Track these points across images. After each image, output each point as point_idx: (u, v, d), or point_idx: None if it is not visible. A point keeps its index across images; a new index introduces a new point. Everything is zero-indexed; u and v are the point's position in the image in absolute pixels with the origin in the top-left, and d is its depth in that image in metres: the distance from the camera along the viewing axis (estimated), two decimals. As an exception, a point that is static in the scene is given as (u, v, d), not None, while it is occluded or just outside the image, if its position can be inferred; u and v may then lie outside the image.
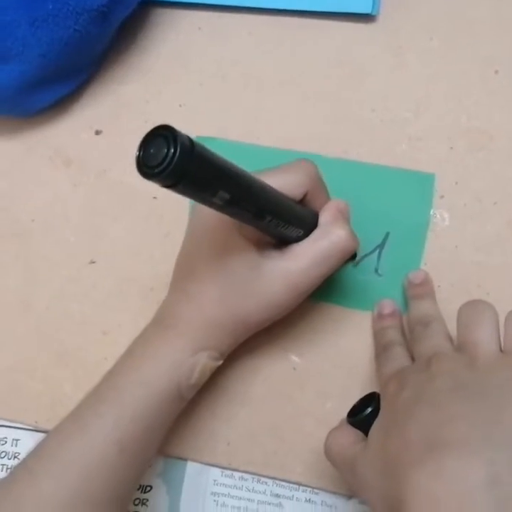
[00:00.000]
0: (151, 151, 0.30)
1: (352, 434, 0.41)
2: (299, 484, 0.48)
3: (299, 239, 0.43)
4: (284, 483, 0.49)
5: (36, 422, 0.52)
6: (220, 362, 0.45)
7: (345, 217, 0.44)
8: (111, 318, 0.52)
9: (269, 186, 0.39)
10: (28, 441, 0.52)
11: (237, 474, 0.49)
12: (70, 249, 0.54)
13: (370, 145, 0.52)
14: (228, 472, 0.49)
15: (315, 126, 0.53)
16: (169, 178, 0.30)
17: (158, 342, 0.43)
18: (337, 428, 0.43)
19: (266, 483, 0.49)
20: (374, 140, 0.52)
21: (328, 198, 0.45)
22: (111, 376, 0.43)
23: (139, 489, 0.50)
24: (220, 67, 0.55)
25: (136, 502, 0.50)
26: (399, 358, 0.44)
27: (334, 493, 0.48)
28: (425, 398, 0.36)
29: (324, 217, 0.44)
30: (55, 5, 0.48)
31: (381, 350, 0.46)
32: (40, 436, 0.51)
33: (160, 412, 0.42)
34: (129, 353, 0.44)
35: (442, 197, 0.51)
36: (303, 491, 0.49)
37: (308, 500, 0.49)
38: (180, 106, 0.54)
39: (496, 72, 0.52)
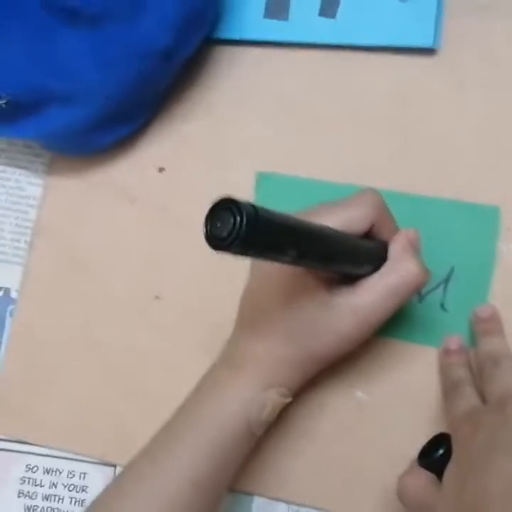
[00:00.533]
0: (218, 224, 0.31)
1: (424, 476, 0.41)
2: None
3: (368, 273, 0.43)
4: (344, 517, 0.49)
5: (103, 456, 0.53)
6: (290, 398, 0.45)
7: (415, 248, 0.44)
8: (176, 353, 0.53)
9: (333, 231, 0.39)
10: (95, 475, 0.53)
11: (304, 510, 0.49)
12: (136, 285, 0.55)
13: (432, 179, 0.52)
14: (295, 507, 0.49)
15: (376, 161, 0.53)
16: (239, 249, 0.31)
17: (228, 380, 0.44)
18: (409, 470, 0.42)
19: (329, 517, 0.49)
20: (436, 173, 0.52)
21: (396, 228, 0.45)
22: (183, 414, 0.44)
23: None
24: (282, 104, 0.55)
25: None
26: (469, 397, 0.43)
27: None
28: (502, 445, 0.36)
29: (394, 250, 0.43)
30: (120, 47, 0.49)
31: (450, 388, 0.46)
32: (107, 469, 0.52)
33: (232, 449, 0.43)
34: (200, 392, 0.45)
35: (509, 229, 0.50)
36: (370, 528, 0.48)
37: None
38: (241, 143, 0.55)
39: None
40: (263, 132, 0.55)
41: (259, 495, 0.50)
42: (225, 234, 0.30)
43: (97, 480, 0.52)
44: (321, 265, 0.39)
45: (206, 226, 0.31)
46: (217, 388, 0.44)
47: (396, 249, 0.43)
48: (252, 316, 0.45)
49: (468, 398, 0.43)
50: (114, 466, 0.53)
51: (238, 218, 0.30)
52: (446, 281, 0.50)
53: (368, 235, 0.43)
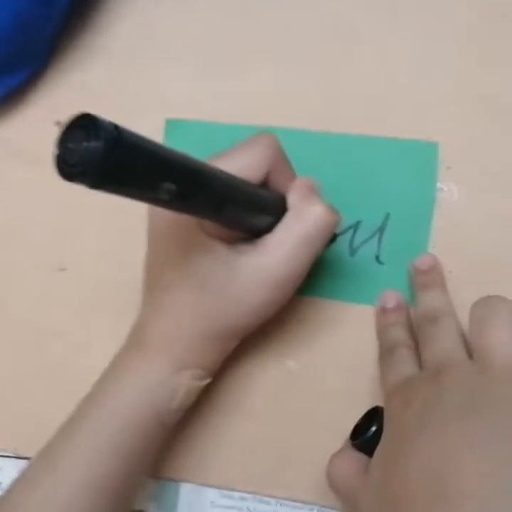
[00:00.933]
0: (70, 145, 0.25)
1: (355, 460, 0.36)
2: (305, 503, 0.43)
3: (269, 228, 0.37)
4: (288, 502, 0.44)
5: (16, 449, 0.48)
6: (207, 380, 0.39)
7: (316, 193, 0.38)
8: (86, 331, 0.47)
9: (223, 171, 0.33)
10: (10, 470, 0.48)
11: (236, 494, 0.44)
12: (39, 256, 0.49)
13: (360, 113, 0.45)
14: (226, 492, 0.45)
15: (302, 101, 0.46)
16: (94, 177, 0.24)
17: (133, 365, 0.38)
18: (339, 453, 0.38)
19: (269, 502, 0.44)
20: (366, 107, 0.45)
21: (294, 176, 0.39)
22: (82, 407, 0.38)
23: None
24: (189, 41, 0.48)
25: (130, 528, 0.45)
26: (405, 362, 0.38)
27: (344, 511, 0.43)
28: (431, 422, 0.31)
29: (293, 198, 0.37)
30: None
31: (385, 352, 0.40)
32: (24, 463, 0.47)
33: (139, 444, 0.37)
34: (102, 380, 0.39)
35: (449, 168, 0.44)
36: (310, 510, 0.44)
37: (316, 520, 0.44)
38: (147, 88, 0.48)
39: (504, 16, 0.45)
40: (168, 76, 0.48)
41: (186, 481, 0.45)
42: (75, 159, 0.24)
43: (12, 475, 0.46)
44: (211, 211, 0.32)
45: (57, 149, 0.25)
46: (120, 375, 0.38)
47: (295, 196, 0.38)
48: (154, 291, 0.39)
49: (404, 364, 0.38)
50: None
51: (93, 138, 0.24)
52: (381, 230, 0.44)
53: (264, 186, 0.37)
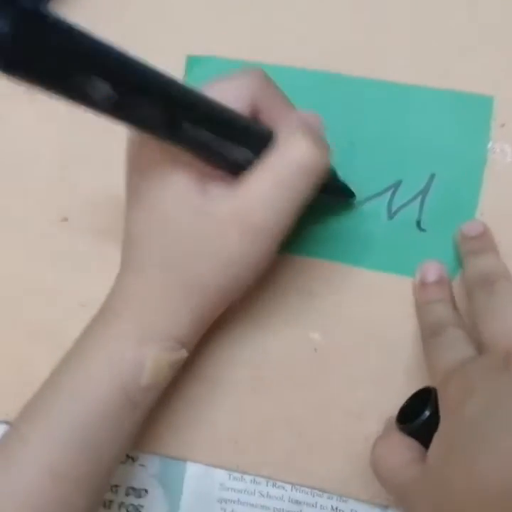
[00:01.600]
0: None
1: (406, 448, 0.32)
2: (323, 491, 0.39)
3: (249, 163, 0.31)
4: (305, 489, 0.40)
5: (7, 415, 0.43)
6: (183, 353, 0.34)
7: (310, 126, 0.32)
8: (90, 286, 0.42)
9: (183, 83, 0.28)
10: (-1, 436, 0.44)
11: (248, 477, 0.40)
12: (38, 203, 0.44)
13: (408, 59, 0.40)
14: (237, 474, 0.40)
15: (337, 38, 0.41)
16: (3, 56, 0.21)
17: (97, 334, 0.34)
18: (386, 438, 0.34)
19: (283, 487, 0.40)
20: (413, 53, 0.40)
21: (291, 112, 0.34)
22: (43, 387, 0.34)
23: (132, 494, 0.41)
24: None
25: (130, 509, 0.41)
26: (457, 344, 0.33)
27: (367, 501, 0.39)
28: (505, 416, 0.27)
29: (281, 131, 0.31)
30: None
31: (430, 333, 0.35)
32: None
33: (104, 428, 0.33)
34: (67, 354, 0.34)
35: (503, 125, 0.39)
36: (328, 498, 0.39)
37: (335, 509, 0.40)
38: (162, 18, 0.43)
39: None
40: (191, 10, 0.43)
41: (193, 461, 0.41)
42: None
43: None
44: (164, 126, 0.27)
45: None
46: (83, 346, 0.34)
47: (283, 129, 0.31)
48: (128, 245, 0.34)
49: (457, 346, 0.33)
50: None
51: (3, 12, 0.20)
52: (424, 192, 0.39)
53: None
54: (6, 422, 0.43)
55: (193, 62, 0.42)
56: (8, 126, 0.44)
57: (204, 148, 0.29)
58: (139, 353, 0.32)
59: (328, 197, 0.38)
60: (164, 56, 0.42)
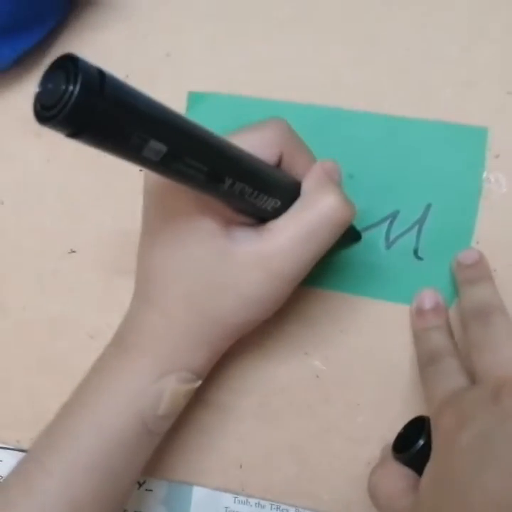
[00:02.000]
0: (49, 86, 0.22)
1: (401, 477, 0.33)
2: (327, 514, 0.40)
3: (277, 214, 0.33)
4: (308, 512, 0.41)
5: (18, 442, 0.44)
6: (198, 383, 0.36)
7: (334, 180, 0.34)
8: (97, 317, 0.44)
9: (223, 139, 0.29)
10: (11, 463, 0.44)
11: (252, 500, 0.41)
12: (47, 237, 0.45)
13: (405, 93, 0.41)
14: (242, 498, 0.42)
15: (336, 73, 0.42)
16: (68, 123, 0.22)
17: (116, 368, 0.35)
18: (383, 467, 0.35)
19: (287, 511, 0.41)
20: (410, 87, 0.41)
21: (313, 162, 0.35)
22: (62, 417, 0.35)
23: (140, 517, 0.42)
24: (217, 4, 0.44)
25: (137, 532, 0.42)
26: (453, 374, 0.34)
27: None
28: (495, 453, 0.27)
29: (307, 184, 0.33)
30: None
31: (427, 360, 0.36)
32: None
33: (123, 456, 0.34)
34: (84, 385, 0.35)
35: (497, 156, 0.40)
36: (332, 521, 0.41)
37: (339, 532, 0.40)
38: (167, 55, 0.44)
39: None
40: (194, 42, 0.44)
41: (200, 485, 0.42)
42: (51, 101, 0.22)
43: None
44: (207, 181, 0.28)
45: (38, 89, 0.23)
46: (102, 378, 0.35)
47: (310, 182, 0.33)
48: (144, 278, 0.35)
49: (453, 376, 0.34)
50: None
51: (72, 81, 0.22)
52: (421, 221, 0.40)
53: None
54: (19, 449, 0.44)
55: (194, 98, 0.43)
56: (17, 163, 0.46)
57: (238, 199, 0.31)
58: (158, 386, 0.34)
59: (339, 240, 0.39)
60: (166, 93, 0.44)
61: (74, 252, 0.44)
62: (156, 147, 0.25)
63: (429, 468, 0.31)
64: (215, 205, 0.32)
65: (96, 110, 0.22)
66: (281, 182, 0.33)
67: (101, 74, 0.23)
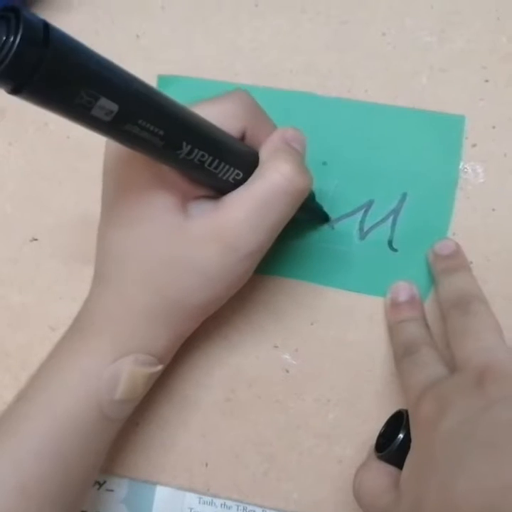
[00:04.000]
0: None
1: (384, 475, 0.32)
2: (295, 514, 0.39)
3: (239, 186, 0.31)
4: (276, 512, 0.39)
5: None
6: (159, 368, 0.34)
7: (293, 149, 0.32)
8: (59, 308, 0.42)
9: (184, 106, 0.28)
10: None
11: (218, 501, 0.40)
12: (7, 224, 0.43)
13: (380, 80, 0.40)
14: (208, 498, 0.40)
15: (310, 57, 0.41)
16: (9, 75, 0.21)
17: (70, 349, 0.33)
18: (365, 467, 0.33)
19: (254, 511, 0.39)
20: (385, 73, 0.40)
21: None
22: (15, 401, 0.33)
23: (100, 518, 0.40)
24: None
25: (97, 534, 0.40)
26: (431, 363, 0.33)
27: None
28: (479, 439, 0.26)
29: (263, 153, 0.32)
30: None
31: (403, 352, 0.35)
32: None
33: (77, 442, 0.32)
34: (38, 369, 0.33)
35: (475, 145, 0.39)
36: (300, 522, 0.39)
37: (308, 533, 0.39)
38: (137, 37, 0.43)
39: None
40: (164, 24, 0.42)
41: (163, 484, 0.40)
42: None
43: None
44: (164, 146, 0.27)
45: None
46: (56, 360, 0.33)
47: (266, 150, 0.32)
48: (102, 261, 0.33)
49: (431, 365, 0.33)
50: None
51: (13, 32, 0.20)
52: (396, 212, 0.39)
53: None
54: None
55: (164, 81, 0.42)
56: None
57: (197, 168, 0.29)
58: (113, 368, 0.32)
59: (303, 218, 0.38)
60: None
61: (35, 240, 0.42)
62: (107, 106, 0.23)
63: (410, 459, 0.30)
64: (171, 179, 0.30)
65: (39, 63, 0.21)
66: (243, 153, 0.32)
67: (46, 26, 0.21)
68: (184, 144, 0.27)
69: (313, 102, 0.40)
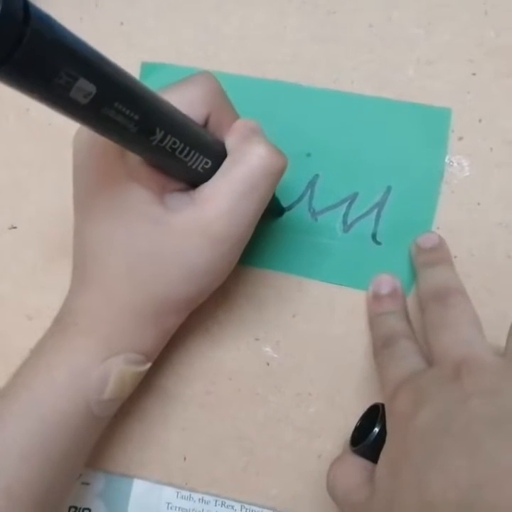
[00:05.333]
0: None
1: (359, 469, 0.31)
2: (274, 510, 0.38)
3: (208, 176, 0.31)
4: (255, 508, 0.38)
5: None
6: (147, 366, 0.33)
7: (258, 134, 0.32)
8: (37, 298, 0.41)
9: (155, 91, 0.27)
10: None
11: (196, 495, 0.39)
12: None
13: (366, 71, 0.40)
14: (185, 493, 0.39)
15: (296, 48, 0.40)
16: None
17: (56, 348, 0.32)
18: (340, 461, 0.33)
19: (233, 507, 0.39)
20: (372, 65, 0.40)
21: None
22: (3, 398, 0.31)
23: (74, 512, 0.40)
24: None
25: (72, 528, 0.40)
26: (409, 356, 0.33)
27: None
28: (455, 433, 0.26)
29: (232, 140, 0.31)
30: None
31: (381, 344, 0.35)
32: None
33: (63, 439, 0.31)
34: (23, 366, 0.32)
35: (461, 139, 0.39)
36: (279, 518, 0.38)
37: (286, 529, 0.38)
38: (121, 24, 0.42)
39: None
40: (148, 11, 0.42)
41: (140, 478, 0.39)
42: None
43: None
44: (138, 132, 0.26)
45: None
46: (40, 359, 0.32)
47: (234, 138, 0.31)
48: (82, 258, 0.32)
49: (408, 358, 0.33)
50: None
51: None
52: (380, 205, 0.39)
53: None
54: None
55: (147, 69, 0.41)
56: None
57: (169, 156, 0.29)
58: (103, 368, 0.31)
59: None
60: (119, 62, 0.42)
61: (14, 228, 0.42)
62: (86, 87, 0.22)
63: (384, 453, 0.29)
64: (145, 171, 0.30)
65: (19, 40, 0.20)
66: (209, 140, 0.31)
67: (26, 4, 0.20)
68: (157, 129, 0.27)
69: (298, 92, 0.40)
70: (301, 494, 0.38)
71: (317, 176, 0.39)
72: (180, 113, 0.29)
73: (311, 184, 0.39)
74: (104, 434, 0.39)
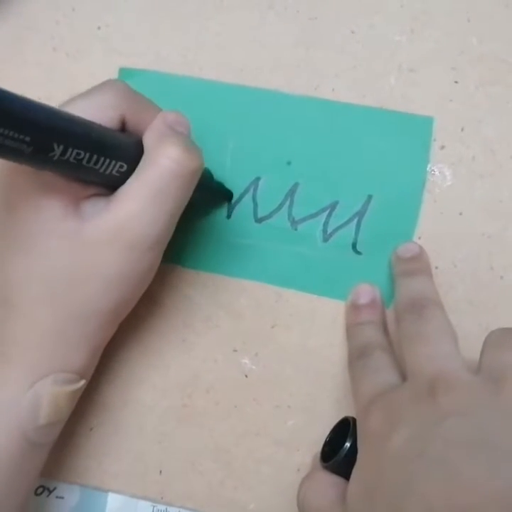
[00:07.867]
0: None
1: (330, 486, 0.30)
2: (252, 525, 0.38)
3: (125, 178, 0.30)
4: (232, 522, 0.38)
5: None
6: (81, 383, 0.32)
7: (177, 131, 0.31)
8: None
9: (48, 105, 0.26)
10: None
11: (172, 510, 0.38)
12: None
13: (348, 78, 0.39)
14: (162, 507, 0.38)
15: (276, 54, 0.40)
16: None
17: None
18: (310, 478, 0.32)
19: (210, 521, 0.38)
20: (353, 72, 0.39)
21: None
22: None
23: (50, 526, 0.39)
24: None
25: (46, 543, 0.39)
26: (383, 369, 0.32)
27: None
28: (430, 456, 0.25)
29: (147, 140, 0.30)
30: None
31: (357, 355, 0.34)
32: None
33: (5, 473, 0.30)
34: None
35: (443, 147, 0.38)
36: (257, 533, 0.38)
37: (264, 544, 0.38)
38: (98, 28, 0.41)
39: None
40: (127, 15, 0.41)
41: (115, 492, 0.38)
42: None
43: None
44: (34, 152, 0.25)
45: None
46: None
47: (149, 137, 0.30)
48: (4, 286, 0.31)
49: (382, 371, 0.32)
50: None
51: None
52: (361, 214, 0.38)
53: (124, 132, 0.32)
54: None
55: (125, 74, 0.40)
56: None
57: (77, 168, 0.28)
58: (34, 392, 0.30)
59: (205, 198, 0.37)
60: (97, 68, 0.41)
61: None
62: None
63: (357, 475, 0.28)
64: (55, 183, 0.29)
65: None
66: (122, 143, 0.30)
67: None
68: (55, 145, 0.26)
69: (279, 99, 0.39)
70: (279, 508, 0.37)
71: (297, 184, 0.38)
72: (82, 122, 0.28)
73: (291, 192, 0.39)
74: (79, 447, 0.38)
